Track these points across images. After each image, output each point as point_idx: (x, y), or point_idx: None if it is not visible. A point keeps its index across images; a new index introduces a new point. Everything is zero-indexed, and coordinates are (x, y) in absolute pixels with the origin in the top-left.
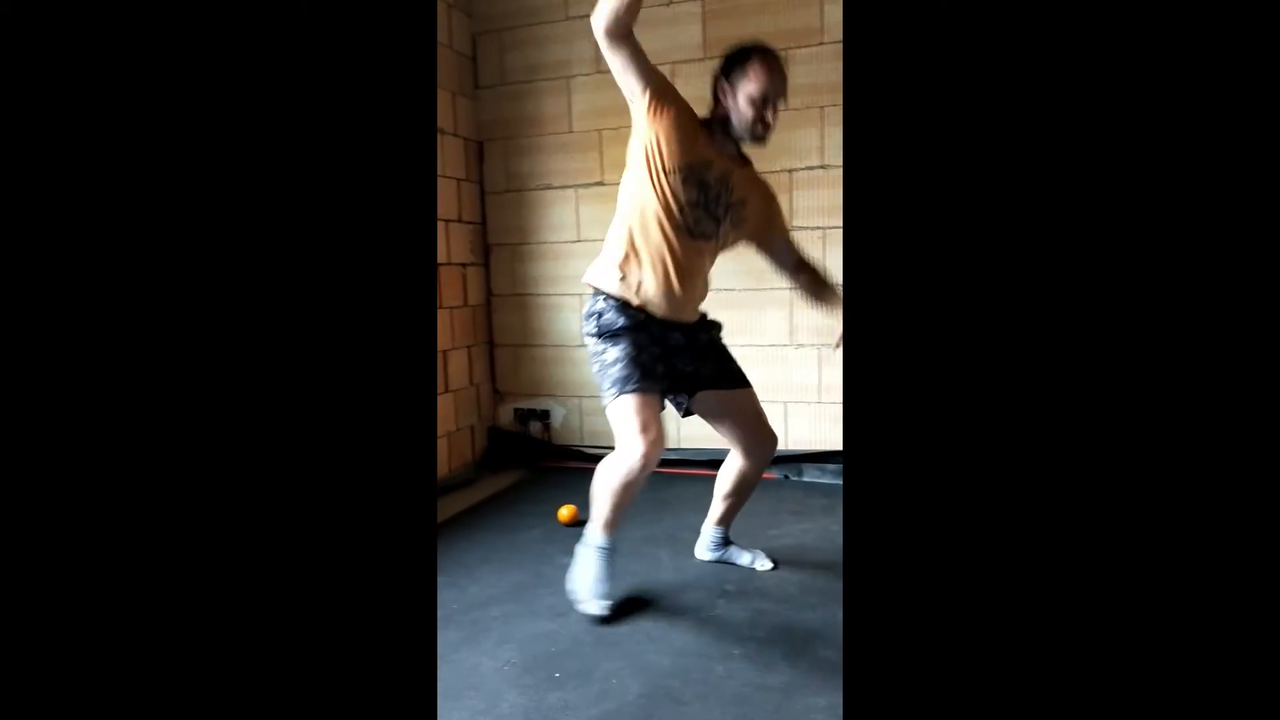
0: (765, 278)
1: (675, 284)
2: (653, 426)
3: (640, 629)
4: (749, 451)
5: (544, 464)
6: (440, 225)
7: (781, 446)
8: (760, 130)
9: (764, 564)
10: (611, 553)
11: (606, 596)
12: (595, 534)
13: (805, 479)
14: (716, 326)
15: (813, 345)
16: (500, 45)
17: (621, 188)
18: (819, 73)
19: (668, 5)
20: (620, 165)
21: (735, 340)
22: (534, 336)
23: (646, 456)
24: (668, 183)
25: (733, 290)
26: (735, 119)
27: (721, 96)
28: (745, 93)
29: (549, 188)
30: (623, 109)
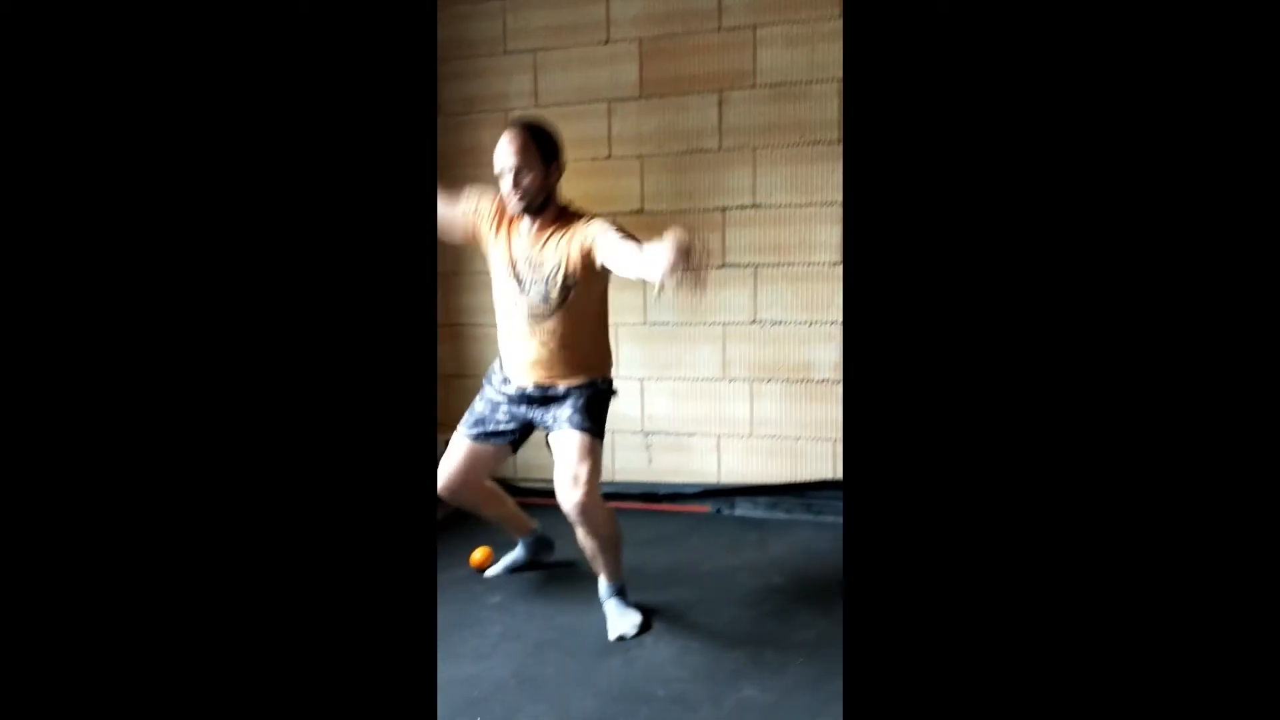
0: (696, 312)
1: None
2: None
3: (565, 670)
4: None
5: None
6: None
7: (713, 480)
8: (514, 203)
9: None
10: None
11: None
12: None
13: (737, 513)
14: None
15: (745, 379)
16: None
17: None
18: (750, 115)
19: (605, 44)
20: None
21: (668, 374)
22: (467, 366)
23: None
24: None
25: (666, 325)
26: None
27: None
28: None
29: None
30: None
